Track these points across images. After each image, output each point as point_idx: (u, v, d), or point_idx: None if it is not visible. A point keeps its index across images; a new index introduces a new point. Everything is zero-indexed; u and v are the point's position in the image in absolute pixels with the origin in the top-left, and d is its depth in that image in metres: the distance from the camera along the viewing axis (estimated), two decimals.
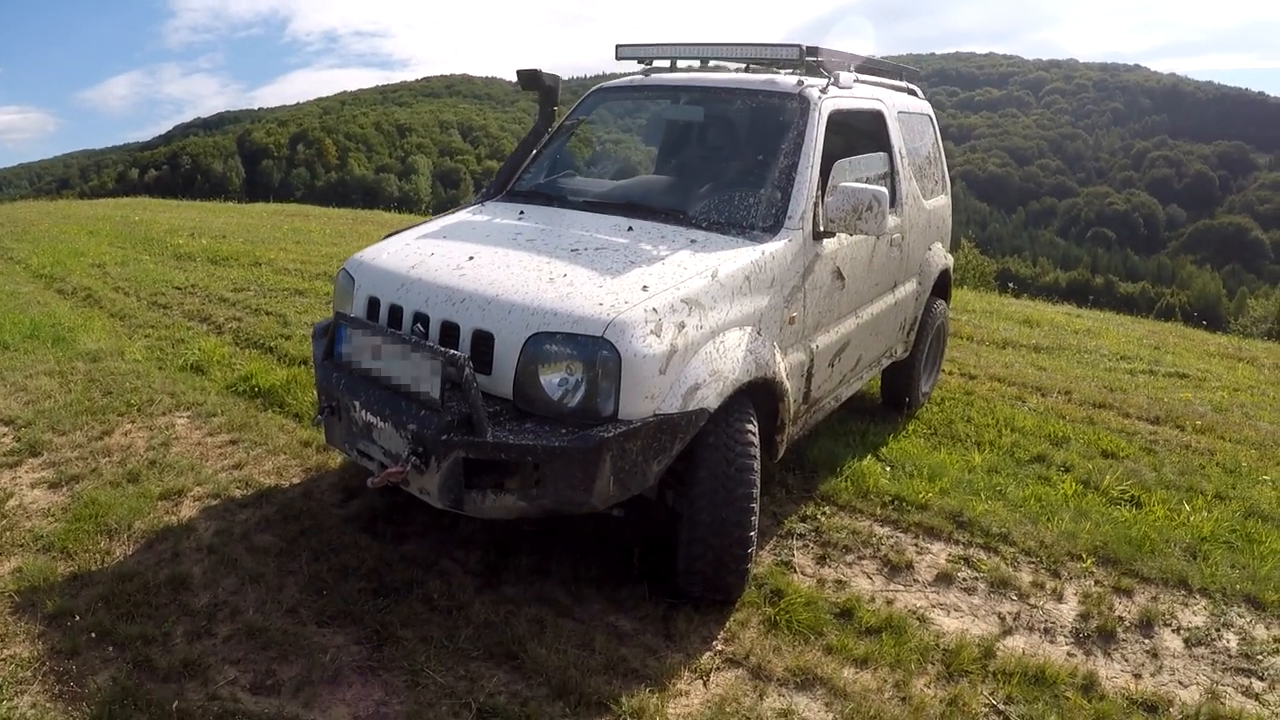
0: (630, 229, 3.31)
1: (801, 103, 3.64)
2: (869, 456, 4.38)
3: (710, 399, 2.70)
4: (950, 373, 6.07)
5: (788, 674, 2.68)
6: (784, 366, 3.21)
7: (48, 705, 2.37)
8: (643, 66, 4.36)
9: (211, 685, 2.47)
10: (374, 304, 3.09)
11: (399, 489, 3.29)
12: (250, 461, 3.95)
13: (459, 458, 2.55)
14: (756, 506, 2.88)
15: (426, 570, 3.09)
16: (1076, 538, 3.63)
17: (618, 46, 4.32)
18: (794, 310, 3.33)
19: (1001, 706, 2.61)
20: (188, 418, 4.48)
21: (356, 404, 2.87)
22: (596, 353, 2.54)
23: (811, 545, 3.55)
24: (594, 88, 4.46)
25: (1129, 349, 7.61)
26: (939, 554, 3.52)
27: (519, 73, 4.26)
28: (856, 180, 3.44)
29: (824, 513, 3.80)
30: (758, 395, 3.08)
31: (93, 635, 2.65)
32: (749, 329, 2.99)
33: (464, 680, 2.54)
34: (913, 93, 5.02)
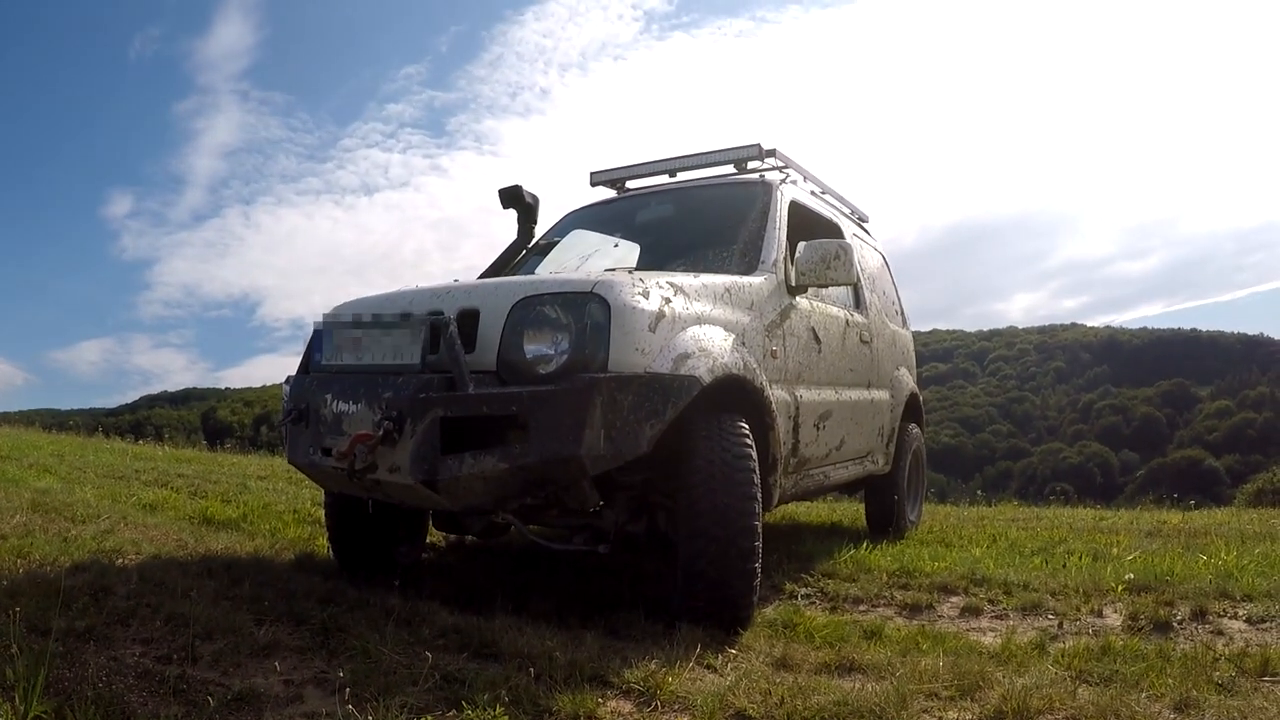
0: (610, 269, 3.44)
1: (764, 185, 4.00)
2: (865, 548, 4.12)
3: (701, 370, 2.63)
4: (930, 515, 5.90)
5: (819, 666, 2.27)
6: (770, 395, 3.16)
7: None
8: (615, 191, 4.77)
9: (114, 651, 2.01)
10: (358, 318, 3.06)
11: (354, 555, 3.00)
12: (200, 540, 3.60)
13: (436, 418, 2.39)
14: (759, 498, 2.66)
15: (387, 594, 2.71)
16: (1100, 578, 3.35)
17: (592, 174, 4.77)
18: (775, 345, 3.36)
19: (1072, 676, 2.21)
20: (138, 530, 4.11)
21: (328, 398, 2.72)
22: (585, 306, 2.50)
23: (819, 601, 3.22)
24: (568, 211, 4.83)
25: (1105, 517, 7.51)
26: (958, 602, 3.20)
27: (500, 191, 4.60)
28: None
29: (827, 583, 3.49)
30: (747, 412, 2.99)
31: None
32: (733, 335, 2.99)
33: (425, 660, 2.10)
34: (867, 231, 5.48)
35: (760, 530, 2.63)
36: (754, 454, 2.71)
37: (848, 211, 5.19)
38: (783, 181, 4.12)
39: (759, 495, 2.67)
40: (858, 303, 4.63)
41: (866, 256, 5.04)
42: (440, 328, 2.49)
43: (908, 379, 5.26)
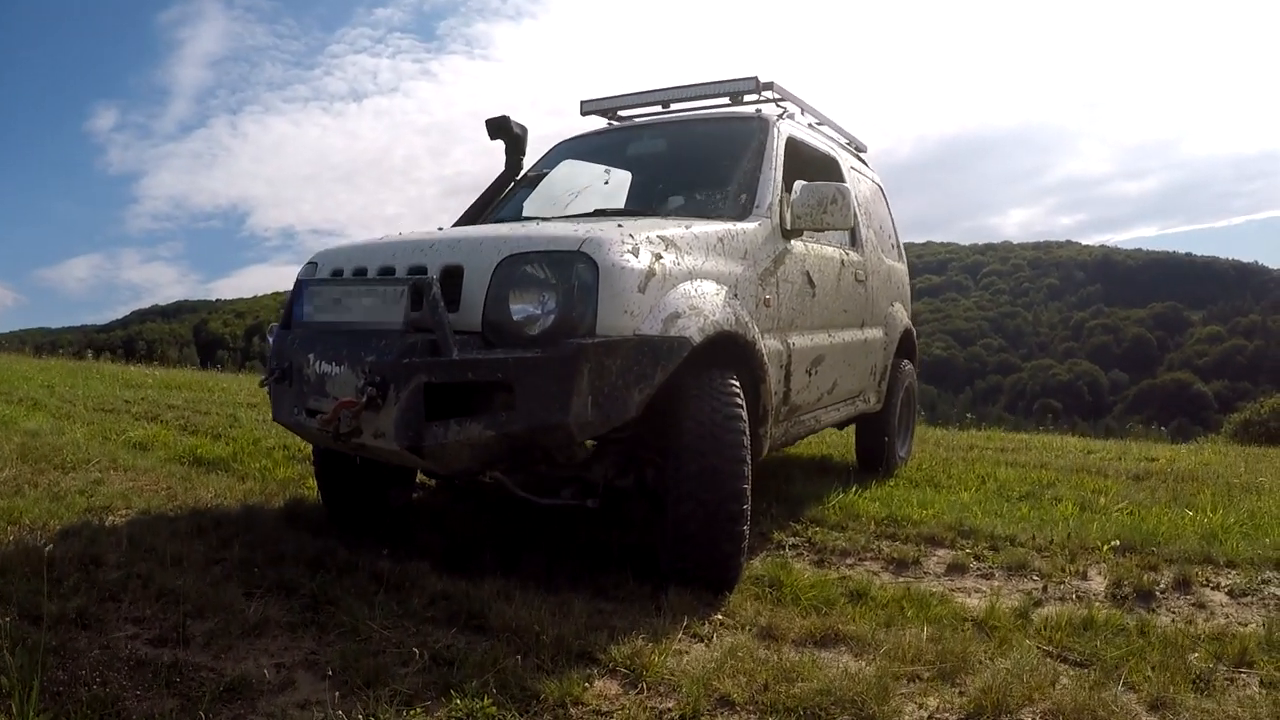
0: (598, 212, 3.31)
1: (761, 122, 3.82)
2: (854, 492, 4.15)
3: (691, 330, 2.56)
4: (920, 452, 5.95)
5: (804, 636, 2.29)
6: (763, 346, 3.10)
7: None
8: (608, 121, 4.57)
9: (107, 636, 2.03)
10: (338, 273, 2.97)
11: (344, 502, 2.99)
12: (187, 491, 3.59)
13: (421, 383, 2.34)
14: (748, 458, 2.64)
15: (376, 556, 2.72)
16: (1086, 535, 3.38)
17: (582, 103, 4.56)
18: (768, 293, 3.28)
19: (1053, 650, 2.25)
20: (125, 474, 4.11)
21: (311, 357, 2.66)
22: (572, 266, 2.42)
23: (806, 553, 3.25)
24: (559, 141, 4.64)
25: (1094, 447, 7.59)
26: (945, 556, 3.24)
27: (488, 122, 4.42)
28: None
29: (815, 532, 3.51)
30: (738, 367, 2.94)
31: None
32: (725, 288, 2.91)
33: (414, 636, 2.13)
34: (864, 162, 5.31)
35: (749, 491, 2.62)
36: (744, 414, 2.68)
37: (845, 142, 5.00)
38: (780, 116, 3.94)
39: (748, 456, 2.65)
40: (854, 240, 4.51)
41: (863, 189, 4.90)
42: (423, 288, 2.40)
43: (902, 315, 5.20)
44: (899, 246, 5.52)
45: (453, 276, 2.57)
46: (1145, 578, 2.83)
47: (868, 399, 4.66)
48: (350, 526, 3.18)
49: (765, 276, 3.26)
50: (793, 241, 3.53)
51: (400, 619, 2.22)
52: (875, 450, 4.99)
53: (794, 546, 3.30)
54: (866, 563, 3.15)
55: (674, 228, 2.83)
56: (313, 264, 3.19)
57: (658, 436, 2.70)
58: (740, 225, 3.20)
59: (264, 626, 2.11)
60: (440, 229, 3.05)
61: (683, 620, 2.33)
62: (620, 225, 2.70)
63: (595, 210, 3.66)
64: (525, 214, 4.18)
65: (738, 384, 2.76)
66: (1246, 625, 2.48)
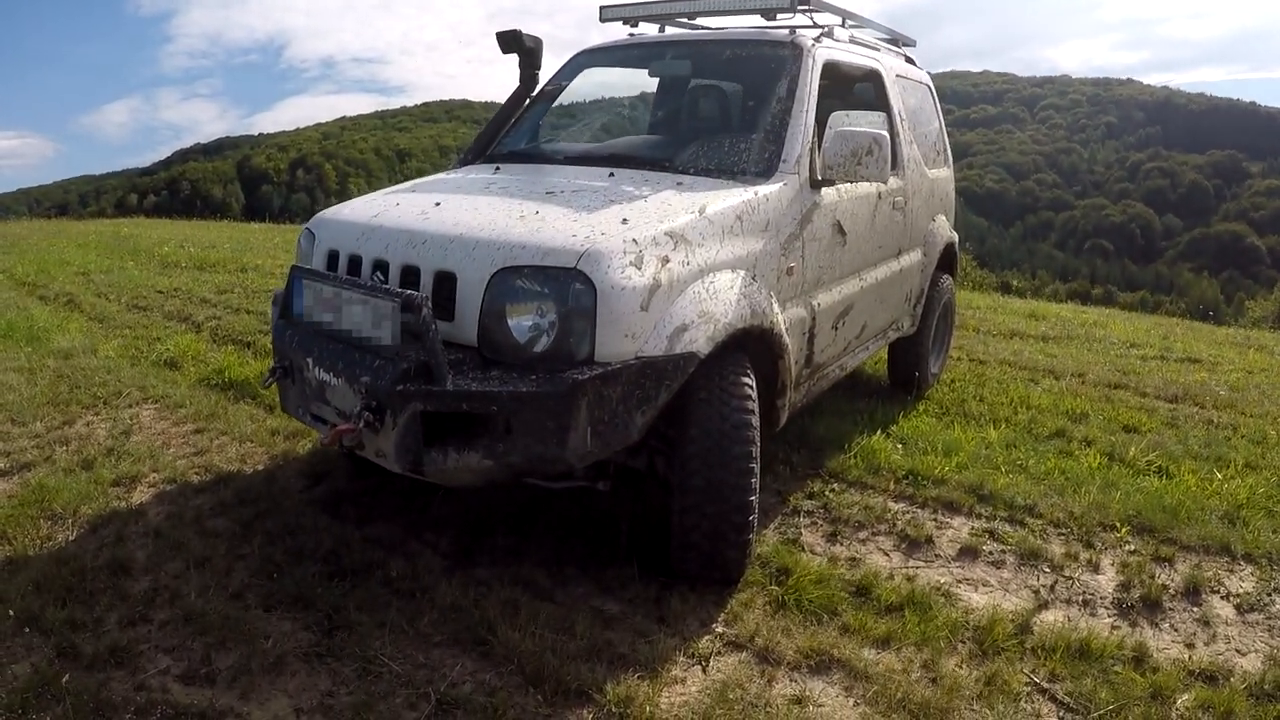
0: (611, 174, 3.06)
1: (794, 50, 3.40)
2: (878, 434, 4.07)
3: (700, 342, 2.42)
4: (958, 359, 5.78)
5: (799, 657, 2.35)
6: (783, 320, 2.93)
7: None
8: (629, 29, 4.14)
9: (140, 674, 2.17)
10: (333, 257, 2.83)
11: (366, 464, 3.03)
12: (213, 449, 3.67)
13: (416, 411, 2.27)
14: (756, 468, 2.58)
15: (390, 552, 2.79)
16: (1107, 508, 3.32)
17: (602, 8, 4.11)
18: (792, 260, 3.06)
19: (1045, 685, 2.29)
20: (154, 409, 4.21)
21: (309, 361, 2.60)
22: (569, 286, 2.26)
23: (820, 522, 3.24)
24: (578, 51, 4.24)
25: (1138, 338, 7.30)
26: (960, 528, 3.21)
27: (498, 35, 4.02)
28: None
29: (833, 489, 3.50)
30: (754, 350, 2.80)
31: (20, 621, 2.37)
32: (742, 273, 2.71)
33: (424, 669, 2.23)
34: (910, 61, 4.79)
35: (756, 494, 2.58)
36: (755, 417, 2.58)
37: (890, 47, 4.49)
38: (817, 39, 3.50)
39: (757, 462, 2.59)
40: (894, 162, 4.14)
41: (908, 94, 4.44)
42: (414, 308, 2.27)
43: (943, 229, 4.87)
44: (946, 150, 5.08)
45: (447, 282, 2.43)
46: (1155, 580, 2.81)
47: (900, 326, 4.48)
48: (370, 486, 3.25)
49: (790, 243, 3.03)
50: (823, 191, 3.25)
51: (410, 645, 2.31)
52: (908, 369, 4.85)
53: (808, 514, 3.29)
54: (879, 538, 3.14)
55: (686, 215, 2.59)
56: (310, 233, 3.05)
57: (666, 424, 2.63)
58: (763, 190, 2.93)
59: (283, 661, 2.23)
60: (438, 203, 2.82)
61: (684, 634, 2.40)
62: (625, 220, 2.48)
63: (610, 155, 3.37)
64: (542, 141, 3.91)
65: (750, 379, 2.64)
66: (1245, 654, 2.47)
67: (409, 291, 2.30)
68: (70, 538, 2.86)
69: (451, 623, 2.41)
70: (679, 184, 2.92)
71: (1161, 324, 8.83)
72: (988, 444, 4.06)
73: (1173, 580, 2.85)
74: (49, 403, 4.16)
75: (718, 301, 2.52)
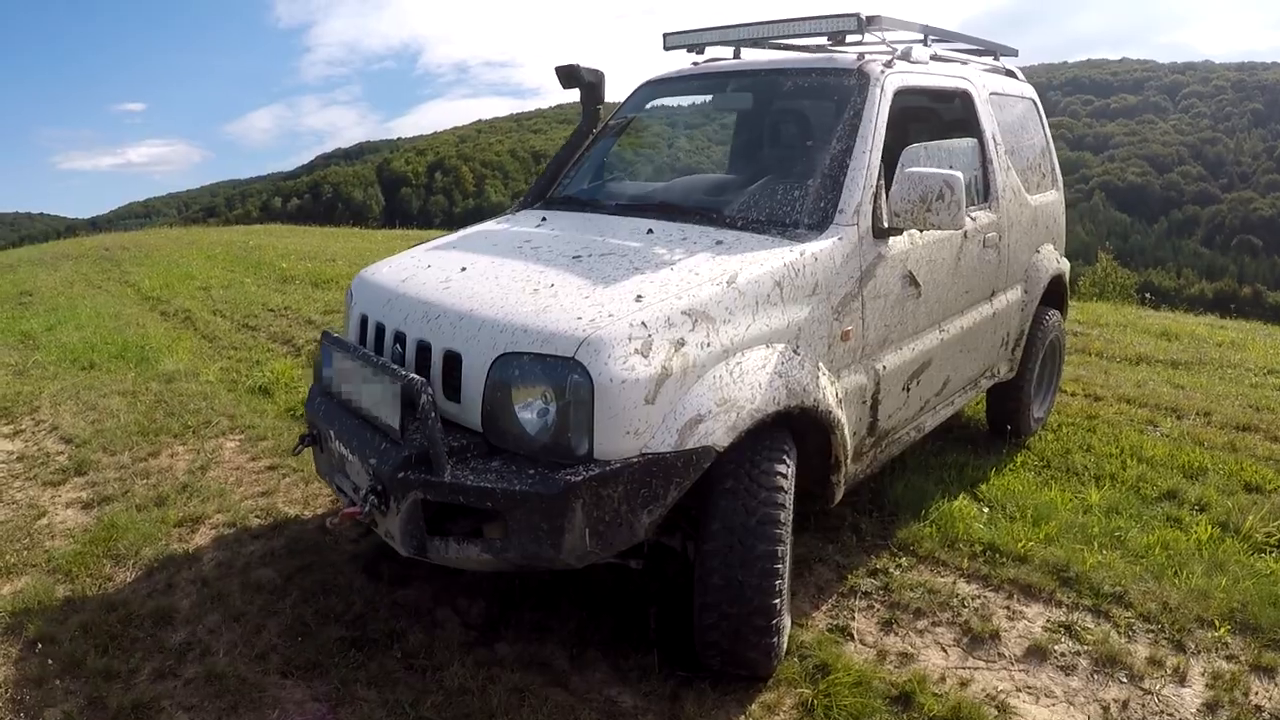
0: (650, 231, 2.89)
1: (860, 78, 3.10)
2: (963, 495, 3.72)
3: (718, 434, 2.22)
4: (1072, 393, 5.23)
5: None
6: (835, 392, 2.68)
7: None
8: (694, 57, 3.94)
9: None
10: (364, 322, 2.83)
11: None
12: (280, 489, 3.80)
13: (417, 499, 2.21)
14: (784, 569, 2.37)
15: (416, 619, 2.77)
16: (1209, 598, 2.88)
17: (665, 35, 3.93)
18: (848, 324, 2.79)
19: None
20: (238, 440, 4.42)
21: (331, 433, 2.61)
22: (567, 376, 2.12)
23: (878, 606, 2.97)
24: (642, 82, 4.08)
25: (1278, 362, 6.39)
26: (1035, 620, 2.86)
27: (557, 70, 3.94)
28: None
29: (899, 565, 3.20)
30: (801, 428, 2.56)
31: (63, 665, 2.52)
32: (780, 347, 2.48)
33: None
34: (1010, 74, 4.33)
35: (784, 579, 2.38)
36: (786, 511, 2.36)
37: (982, 62, 4.06)
38: (889, 63, 3.19)
39: (786, 551, 2.38)
40: (986, 193, 3.75)
41: (1005, 113, 4.01)
42: (415, 395, 2.20)
43: (1050, 260, 4.38)
44: (1053, 170, 4.57)
45: (454, 362, 2.35)
46: (1249, 699, 2.41)
47: (996, 372, 4.07)
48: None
49: (845, 304, 2.77)
50: (890, 241, 2.95)
51: None
52: (1006, 416, 4.43)
53: (865, 594, 3.03)
54: (940, 629, 2.84)
55: (712, 287, 2.38)
56: (350, 295, 3.07)
57: (694, 501, 2.44)
58: (812, 248, 2.68)
59: None
60: (463, 269, 2.74)
61: None
62: (640, 297, 2.31)
63: (660, 204, 3.20)
64: (606, 179, 3.81)
65: (786, 465, 2.41)
66: None
67: (411, 375, 2.25)
68: (127, 579, 3.03)
69: (455, 707, 2.35)
70: (718, 243, 2.72)
71: None
72: (1086, 508, 3.63)
73: (1270, 699, 2.40)
74: (140, 431, 4.44)
75: (743, 385, 2.31)
